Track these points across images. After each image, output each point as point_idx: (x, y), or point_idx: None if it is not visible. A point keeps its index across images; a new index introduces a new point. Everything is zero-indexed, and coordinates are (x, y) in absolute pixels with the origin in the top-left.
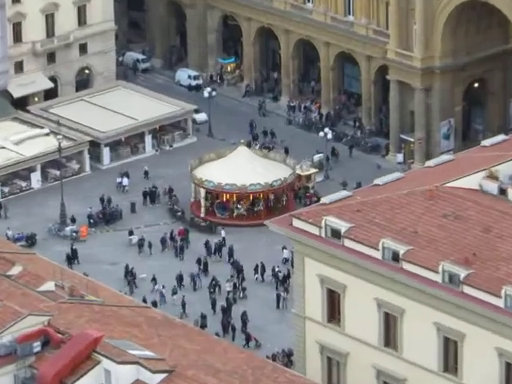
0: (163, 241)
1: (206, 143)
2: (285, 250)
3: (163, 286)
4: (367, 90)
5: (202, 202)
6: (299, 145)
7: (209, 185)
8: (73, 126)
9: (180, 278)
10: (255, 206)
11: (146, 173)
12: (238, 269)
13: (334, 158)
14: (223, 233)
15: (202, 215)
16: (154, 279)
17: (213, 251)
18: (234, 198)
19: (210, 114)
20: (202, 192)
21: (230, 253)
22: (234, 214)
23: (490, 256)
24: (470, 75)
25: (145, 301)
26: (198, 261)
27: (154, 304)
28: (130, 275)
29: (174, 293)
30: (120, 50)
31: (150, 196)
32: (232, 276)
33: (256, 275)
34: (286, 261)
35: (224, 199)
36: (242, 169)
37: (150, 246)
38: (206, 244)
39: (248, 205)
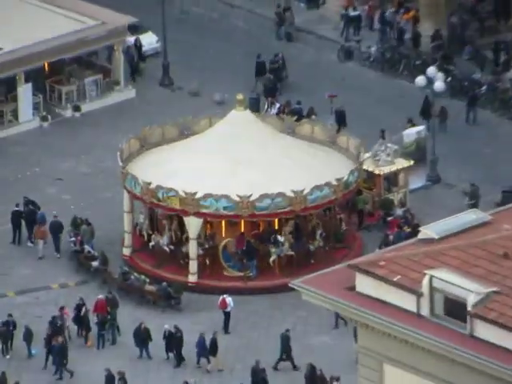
0: (55, 326)
1: (158, 101)
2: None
3: None
4: None
5: (193, 247)
6: (369, 107)
7: (216, 207)
8: None
9: None
10: (313, 241)
11: None
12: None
13: (443, 132)
14: (230, 303)
15: (193, 279)
16: None
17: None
18: (239, 229)
19: (166, 35)
20: (195, 225)
21: (287, 354)
22: (272, 260)
23: None
24: None
25: None
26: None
27: None
28: None
29: None
30: None
31: (28, 223)
32: None
33: None
34: None
35: (233, 232)
36: (257, 162)
37: (27, 337)
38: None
39: (291, 235)
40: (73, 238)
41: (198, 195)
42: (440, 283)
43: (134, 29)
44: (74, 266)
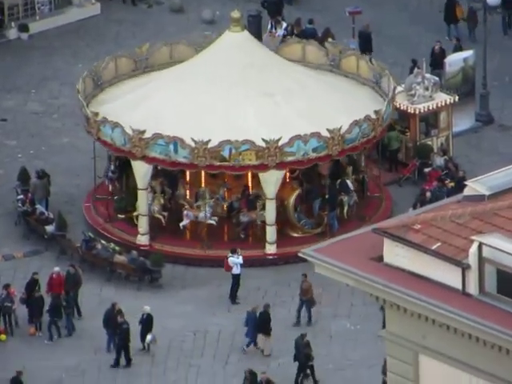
0: (1, 308)
1: (130, 20)
2: None
3: None
4: None
5: (272, 210)
6: (402, 26)
7: (304, 151)
8: None
9: None
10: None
11: None
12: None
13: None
14: (233, 263)
15: (272, 250)
16: None
17: None
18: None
19: None
20: (274, 182)
21: None
22: (346, 211)
23: None
24: None
25: None
26: None
27: None
28: None
29: None
30: None
31: None
32: None
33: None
34: None
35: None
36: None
37: None
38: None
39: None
40: (21, 196)
41: (283, 141)
42: (492, 252)
43: None
44: (22, 231)
